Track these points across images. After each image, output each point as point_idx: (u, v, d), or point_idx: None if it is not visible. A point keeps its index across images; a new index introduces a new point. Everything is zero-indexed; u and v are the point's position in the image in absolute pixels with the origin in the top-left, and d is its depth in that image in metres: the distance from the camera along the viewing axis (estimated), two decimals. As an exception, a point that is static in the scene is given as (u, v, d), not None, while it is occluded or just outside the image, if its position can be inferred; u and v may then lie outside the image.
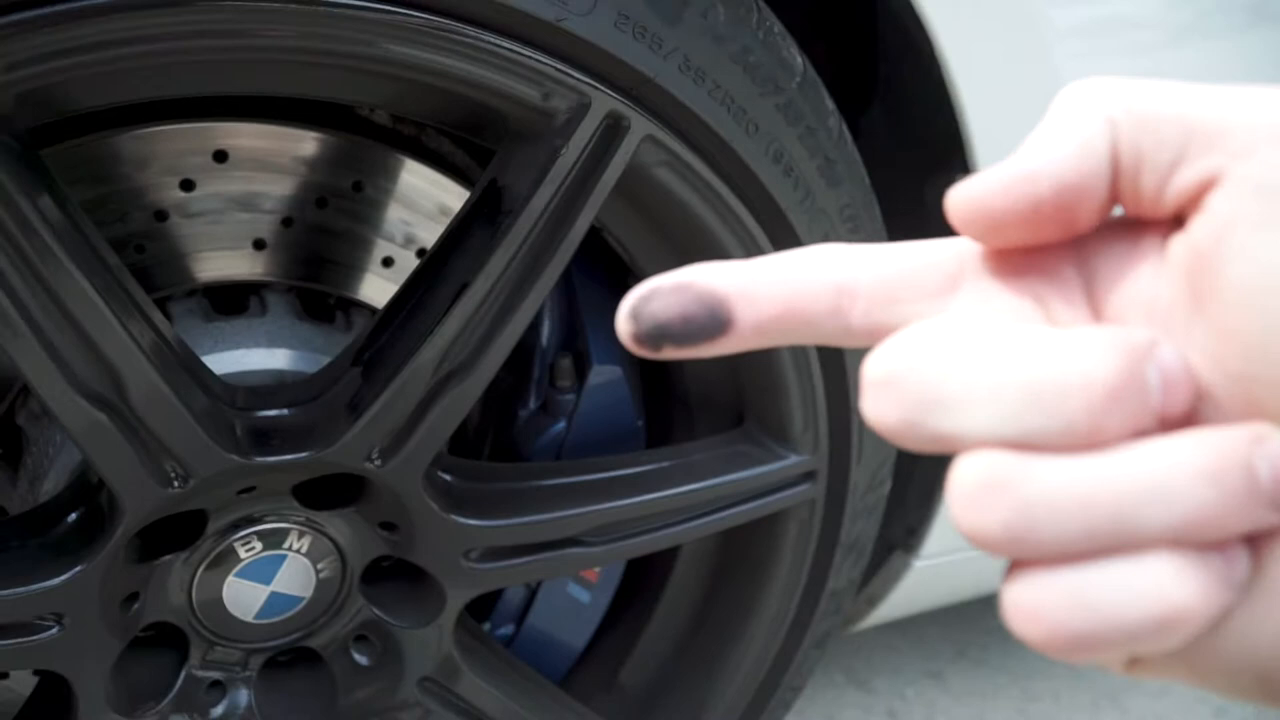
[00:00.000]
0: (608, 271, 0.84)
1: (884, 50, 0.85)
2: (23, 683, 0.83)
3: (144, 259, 0.73)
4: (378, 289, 0.81)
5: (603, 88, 0.61)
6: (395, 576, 0.80)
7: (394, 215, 0.80)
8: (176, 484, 0.65)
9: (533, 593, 0.92)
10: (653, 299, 0.27)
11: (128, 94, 0.58)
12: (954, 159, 0.79)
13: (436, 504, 0.73)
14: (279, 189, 0.75)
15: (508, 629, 0.92)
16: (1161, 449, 0.22)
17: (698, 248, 0.72)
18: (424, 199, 0.80)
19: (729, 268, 0.27)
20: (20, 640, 0.65)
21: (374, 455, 0.70)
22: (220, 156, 0.73)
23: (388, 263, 0.81)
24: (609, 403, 0.83)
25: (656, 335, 0.27)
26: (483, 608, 0.93)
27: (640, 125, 0.63)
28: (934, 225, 0.86)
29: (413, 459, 0.70)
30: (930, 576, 1.09)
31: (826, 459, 0.84)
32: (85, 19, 0.51)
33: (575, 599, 0.92)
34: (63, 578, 0.64)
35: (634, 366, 0.86)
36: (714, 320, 0.27)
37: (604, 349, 0.83)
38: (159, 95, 0.59)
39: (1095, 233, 0.27)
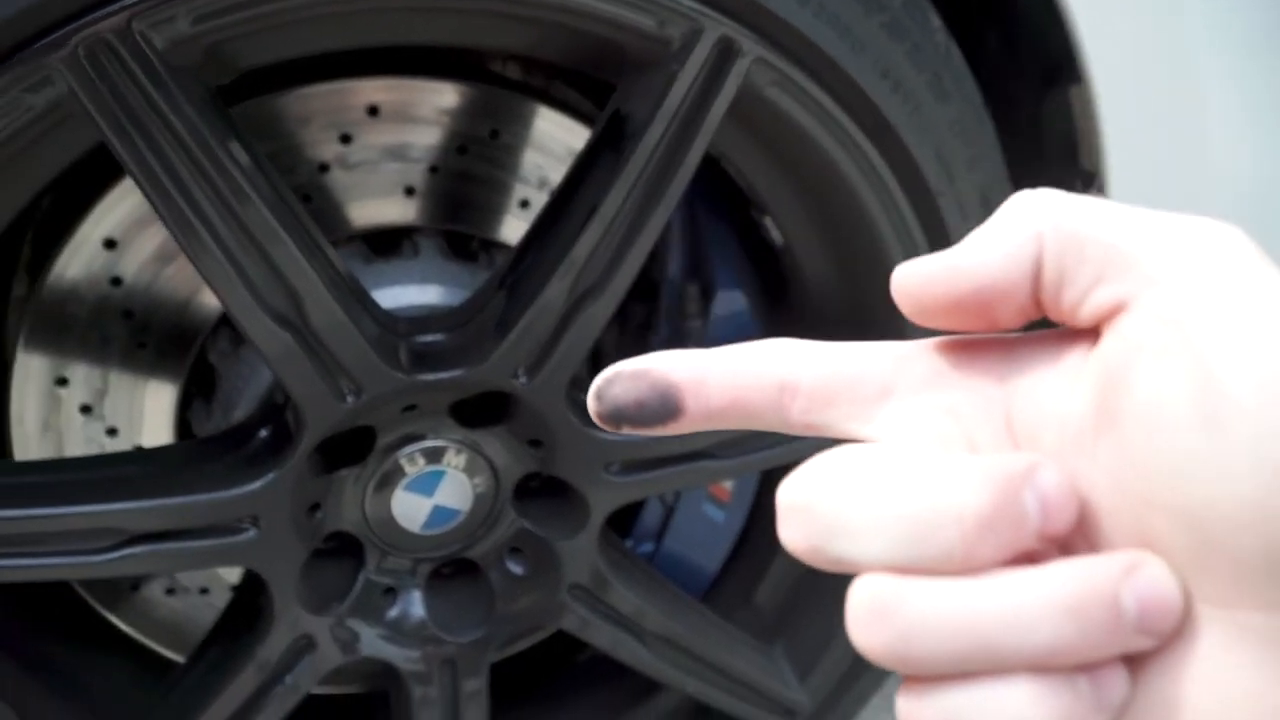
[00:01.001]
0: (729, 203, 0.89)
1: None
2: (221, 597, 0.94)
3: (310, 209, 0.82)
4: (516, 229, 0.88)
5: (713, 14, 0.66)
6: (543, 492, 0.87)
7: (528, 160, 0.86)
8: (350, 399, 0.73)
9: (669, 513, 0.98)
10: (615, 383, 0.30)
11: (292, 49, 0.67)
12: (1067, 75, 0.81)
13: (578, 419, 0.80)
14: (425, 139, 0.83)
15: (647, 547, 0.98)
16: (1030, 579, 0.24)
17: (811, 168, 0.76)
18: (555, 143, 0.86)
19: (684, 359, 0.30)
20: (225, 540, 0.74)
21: (519, 372, 0.77)
22: (373, 111, 0.81)
23: (524, 204, 0.88)
24: (734, 328, 0.88)
25: (616, 416, 0.30)
26: (622, 527, 0.99)
27: (751, 48, 0.68)
28: (1048, 141, 0.87)
29: (554, 375, 0.77)
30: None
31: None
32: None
33: (710, 519, 0.98)
34: (258, 484, 0.73)
35: (758, 292, 0.90)
36: (665, 407, 0.30)
37: (728, 277, 0.88)
38: (318, 49, 0.67)
39: (1026, 341, 0.29)
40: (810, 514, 0.26)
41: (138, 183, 0.61)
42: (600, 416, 0.30)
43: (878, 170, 0.75)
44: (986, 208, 0.80)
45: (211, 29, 0.59)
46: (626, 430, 0.31)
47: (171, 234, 0.63)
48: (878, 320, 0.87)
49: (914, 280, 0.28)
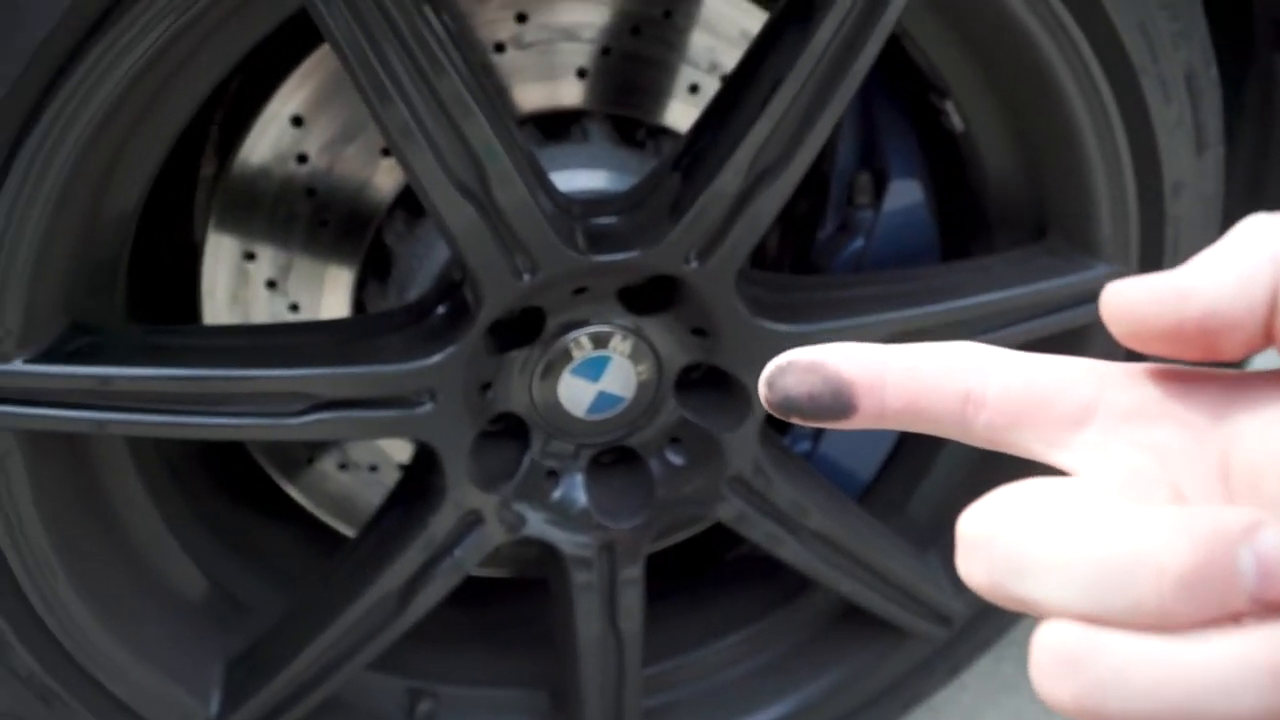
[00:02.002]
0: (906, 87, 0.86)
1: None
2: (388, 475, 0.98)
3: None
4: (684, 115, 0.87)
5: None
6: (705, 383, 0.87)
7: (699, 42, 0.85)
8: (526, 277, 0.74)
9: (828, 412, 0.97)
10: (787, 373, 0.29)
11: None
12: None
13: (747, 309, 0.79)
14: (598, 18, 0.82)
15: (804, 446, 0.97)
16: (1235, 640, 0.22)
17: (1003, 44, 0.73)
18: (727, 24, 0.84)
19: (862, 353, 0.29)
20: (404, 411, 0.77)
21: (692, 256, 0.76)
22: (549, -11, 0.80)
23: (694, 89, 0.86)
24: (907, 218, 0.85)
25: (785, 407, 0.29)
26: (780, 424, 0.98)
27: (953, -89, 0.64)
28: (1260, 19, 0.81)
29: (727, 260, 0.76)
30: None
31: (1137, 270, 0.82)
32: None
33: (869, 419, 0.96)
34: (437, 357, 0.75)
35: (932, 182, 0.87)
36: (838, 404, 0.28)
37: (903, 164, 0.85)
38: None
39: (1252, 379, 0.26)
40: (994, 548, 0.24)
41: (336, 49, 0.62)
42: (770, 404, 0.29)
43: (1076, 44, 0.71)
44: (1191, 90, 0.75)
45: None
46: (795, 420, 0.29)
47: (365, 102, 0.64)
48: (1063, 218, 0.83)
49: (1135, 298, 0.26)
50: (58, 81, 0.58)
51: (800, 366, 0.29)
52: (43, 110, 0.58)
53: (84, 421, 0.68)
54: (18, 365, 0.65)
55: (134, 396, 0.68)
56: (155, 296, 0.90)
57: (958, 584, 0.97)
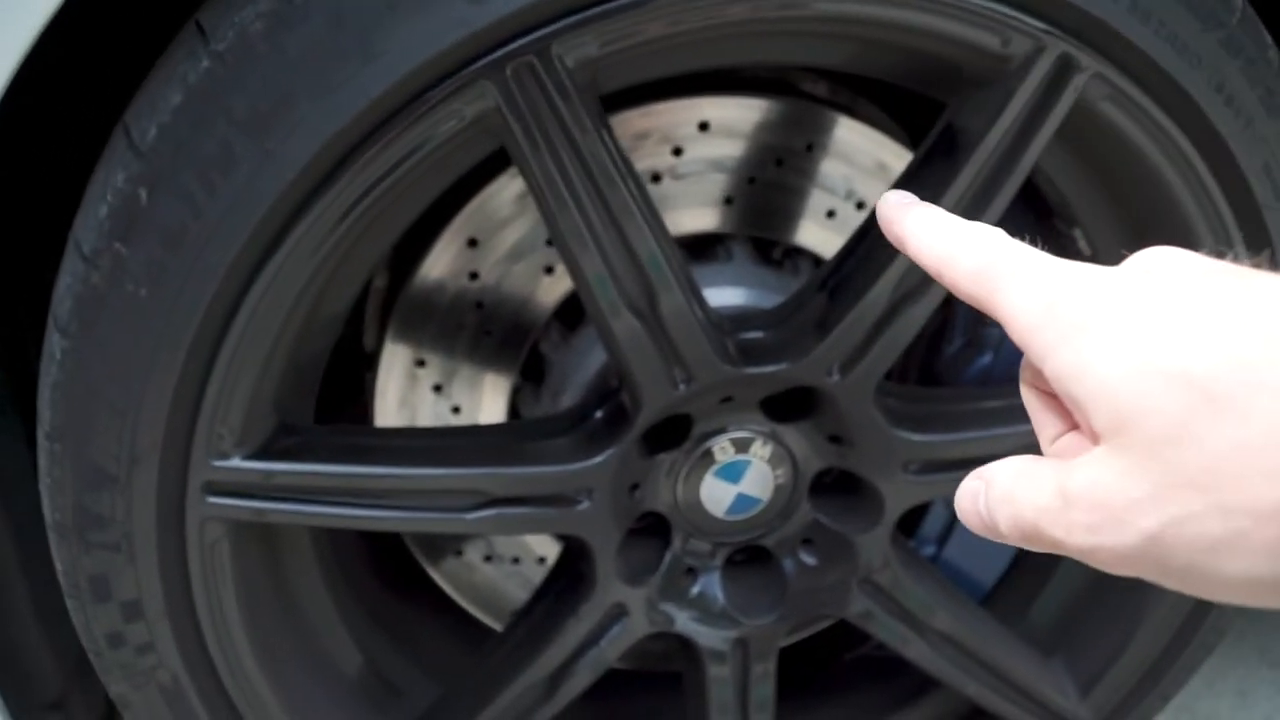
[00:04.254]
0: (1034, 213, 0.91)
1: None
2: (529, 568, 1.03)
3: (640, 214, 0.90)
4: (821, 238, 0.93)
5: (1056, 31, 0.70)
6: (837, 488, 0.91)
7: (836, 171, 0.92)
8: (682, 387, 0.80)
9: (953, 519, 1.00)
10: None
11: (657, 70, 0.75)
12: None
13: (885, 418, 0.84)
14: (746, 152, 0.89)
15: (929, 550, 1.01)
16: None
17: (1134, 180, 0.78)
18: (864, 156, 0.91)
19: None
20: (564, 509, 0.83)
21: (835, 370, 0.82)
22: (703, 126, 0.88)
23: (831, 214, 0.93)
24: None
25: None
26: (907, 530, 1.02)
27: (1089, 63, 0.71)
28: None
29: (868, 373, 0.81)
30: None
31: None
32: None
33: (993, 526, 0.99)
34: (597, 459, 0.81)
35: (1056, 303, 0.92)
36: None
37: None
38: (676, 70, 0.75)
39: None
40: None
41: (531, 185, 0.70)
42: None
43: (1204, 182, 0.76)
44: (1312, 224, 0.80)
45: (610, 52, 0.67)
46: None
47: (551, 228, 0.72)
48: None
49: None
50: (299, 214, 0.67)
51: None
52: (284, 238, 0.67)
53: (288, 514, 0.75)
54: (236, 462, 0.73)
55: (333, 491, 0.75)
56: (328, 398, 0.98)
57: (1084, 691, 0.99)
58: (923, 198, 0.76)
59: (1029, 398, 0.40)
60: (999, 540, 0.38)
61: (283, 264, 0.67)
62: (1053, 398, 0.38)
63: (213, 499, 0.72)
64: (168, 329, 0.67)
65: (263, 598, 0.81)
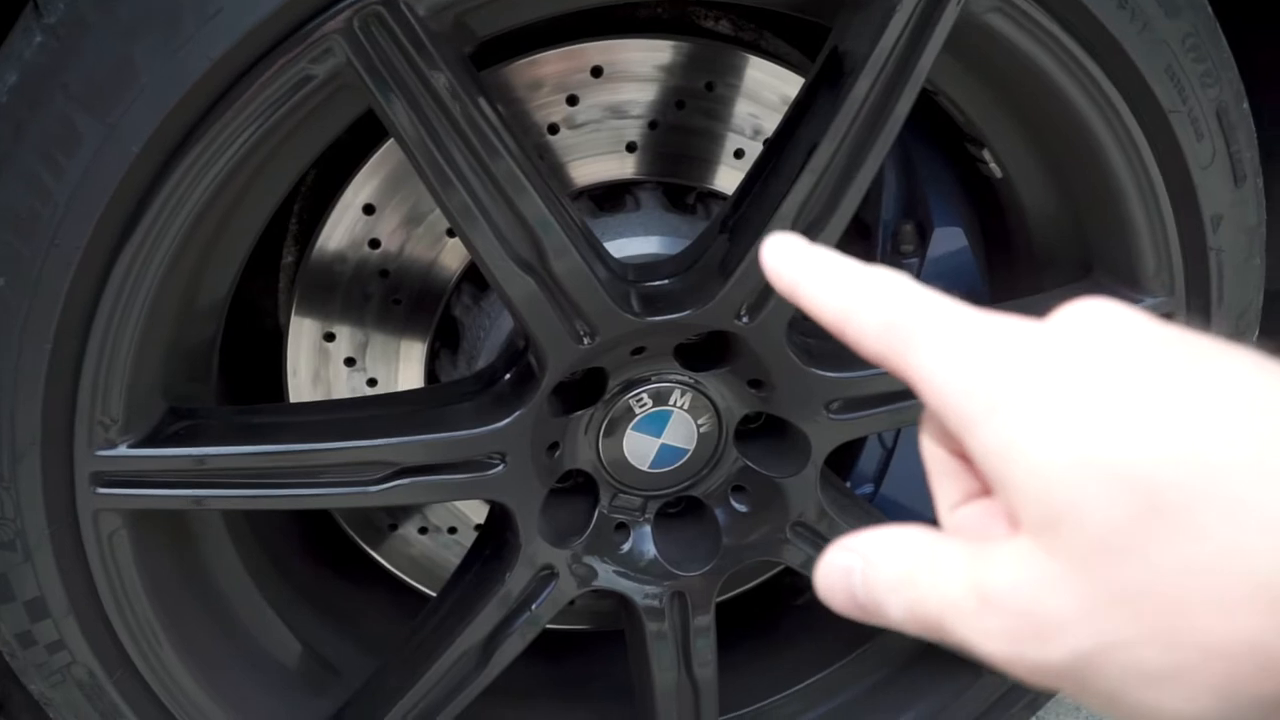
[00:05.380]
0: (944, 138, 0.89)
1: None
2: (467, 536, 1.02)
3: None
4: (732, 180, 0.91)
5: (933, -58, 0.67)
6: (764, 432, 0.89)
7: (742, 110, 0.89)
8: (586, 341, 0.78)
9: (888, 456, 0.99)
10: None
11: (524, 15, 0.72)
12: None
13: (799, 359, 0.82)
14: (645, 95, 0.87)
15: (866, 489, 0.99)
16: None
17: (1033, 95, 0.76)
18: (769, 92, 0.88)
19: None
20: (478, 474, 0.81)
21: (743, 312, 0.79)
22: (596, 72, 0.85)
23: (739, 154, 0.90)
24: (952, 264, 0.88)
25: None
26: (841, 470, 1.01)
27: (969, -26, 0.68)
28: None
29: (777, 314, 0.79)
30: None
31: (1183, 302, 0.83)
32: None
33: (930, 461, 0.98)
34: (506, 421, 0.79)
35: (976, 228, 0.90)
36: None
37: (944, 212, 0.88)
38: (546, 14, 0.72)
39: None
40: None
41: (401, 141, 0.67)
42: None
43: (1105, 92, 0.74)
44: (1223, 125, 0.77)
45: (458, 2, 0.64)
46: None
47: (429, 189, 0.70)
48: (1106, 255, 0.85)
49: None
50: (153, 189, 0.64)
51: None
52: (140, 216, 0.64)
53: (183, 499, 0.73)
54: (123, 450, 0.71)
55: (228, 473, 0.73)
56: (246, 380, 0.96)
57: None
58: (813, 126, 0.75)
59: (931, 454, 0.34)
60: (881, 625, 0.33)
61: (142, 244, 0.64)
62: (962, 459, 0.33)
63: (102, 490, 0.71)
64: (30, 319, 0.65)
65: (175, 587, 0.80)
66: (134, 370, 0.69)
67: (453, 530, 1.02)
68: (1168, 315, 0.84)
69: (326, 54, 0.62)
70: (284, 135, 0.66)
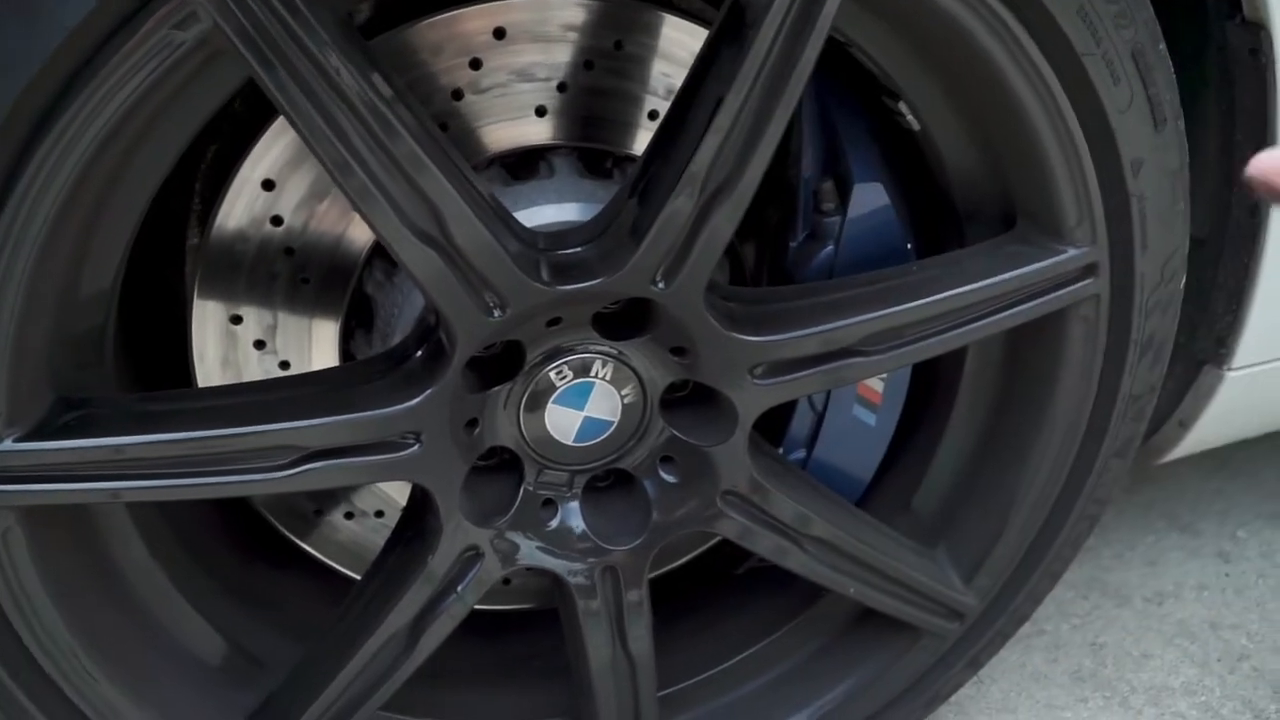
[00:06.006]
0: (860, 94, 0.86)
1: None
2: (395, 519, 0.99)
3: (448, 135, 0.84)
4: (647, 142, 0.88)
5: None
6: (690, 400, 0.87)
7: (656, 70, 0.86)
8: (496, 314, 0.75)
9: (819, 419, 0.97)
10: None
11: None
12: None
13: (720, 324, 0.80)
14: (551, 56, 0.84)
15: (799, 454, 0.98)
16: None
17: (943, 43, 0.73)
18: (681, 50, 0.86)
19: None
20: (391, 455, 0.78)
21: (658, 277, 0.77)
22: (499, 33, 0.82)
23: (653, 116, 0.88)
24: (874, 220, 0.86)
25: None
26: (773, 436, 0.99)
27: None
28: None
29: (692, 277, 0.77)
30: (1245, 390, 1.03)
31: (1107, 250, 0.82)
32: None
33: (861, 422, 0.96)
34: (418, 399, 0.77)
35: (897, 184, 0.88)
36: None
37: (865, 168, 0.86)
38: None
39: None
40: None
41: (286, 116, 0.64)
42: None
43: (1015, 35, 0.72)
44: (1140, 67, 0.75)
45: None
46: None
47: (320, 163, 0.67)
48: (1028, 206, 0.83)
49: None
50: (16, 170, 0.60)
51: None
52: (4, 200, 0.61)
53: (75, 493, 0.70)
54: (8, 445, 0.68)
55: (123, 464, 0.70)
56: (154, 367, 0.93)
57: (967, 578, 0.97)
58: (718, 82, 0.72)
59: None
60: None
61: (8, 231, 0.61)
62: None
63: (-12, 487, 0.67)
64: (-105, 312, 0.61)
65: (80, 585, 0.77)
66: (13, 363, 0.66)
67: (380, 514, 0.99)
68: (1090, 267, 0.82)
69: (191, 18, 0.59)
70: (156, 107, 0.63)
